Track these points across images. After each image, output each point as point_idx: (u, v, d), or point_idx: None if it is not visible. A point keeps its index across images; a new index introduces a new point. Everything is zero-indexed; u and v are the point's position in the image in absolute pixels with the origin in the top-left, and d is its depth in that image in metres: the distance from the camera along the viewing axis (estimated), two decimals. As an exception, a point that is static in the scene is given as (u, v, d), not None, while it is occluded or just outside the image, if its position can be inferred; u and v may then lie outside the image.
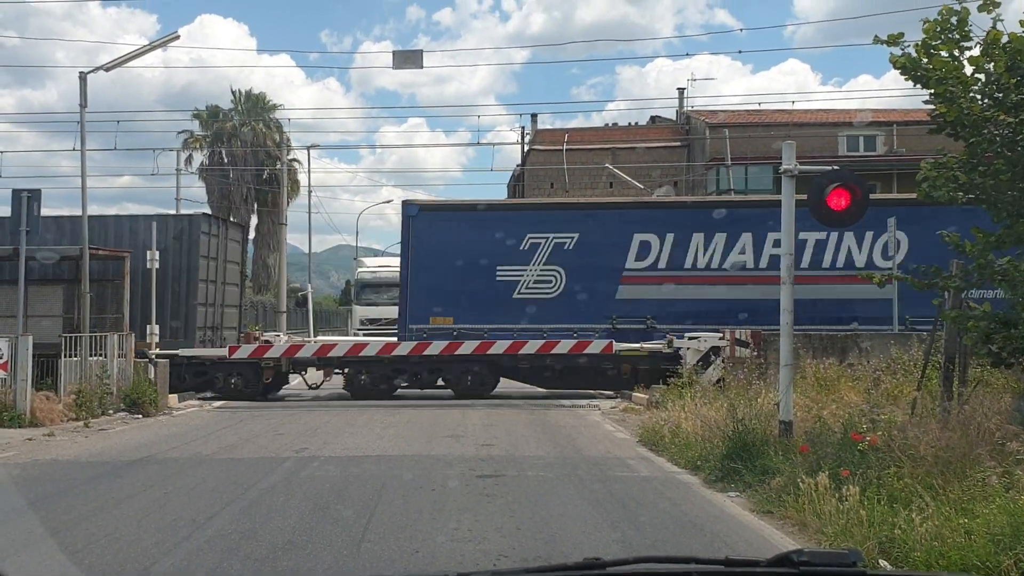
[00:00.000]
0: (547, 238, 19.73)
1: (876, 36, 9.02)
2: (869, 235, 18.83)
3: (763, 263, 19.02)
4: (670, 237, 19.61)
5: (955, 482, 6.84)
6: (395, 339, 20.33)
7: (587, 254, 19.63)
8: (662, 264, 19.62)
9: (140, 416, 15.88)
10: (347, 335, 29.09)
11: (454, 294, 19.85)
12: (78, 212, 18.69)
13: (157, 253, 18.74)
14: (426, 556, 6.42)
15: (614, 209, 22.00)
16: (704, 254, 19.54)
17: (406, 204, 20.87)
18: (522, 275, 19.76)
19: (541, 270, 19.72)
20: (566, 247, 19.73)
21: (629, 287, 19.68)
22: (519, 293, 19.74)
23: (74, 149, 22.98)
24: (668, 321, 19.14)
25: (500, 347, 18.86)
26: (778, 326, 10.17)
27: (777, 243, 14.91)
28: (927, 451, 7.54)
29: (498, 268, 19.76)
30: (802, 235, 17.26)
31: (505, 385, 20.08)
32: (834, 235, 18.78)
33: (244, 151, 45.90)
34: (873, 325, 17.99)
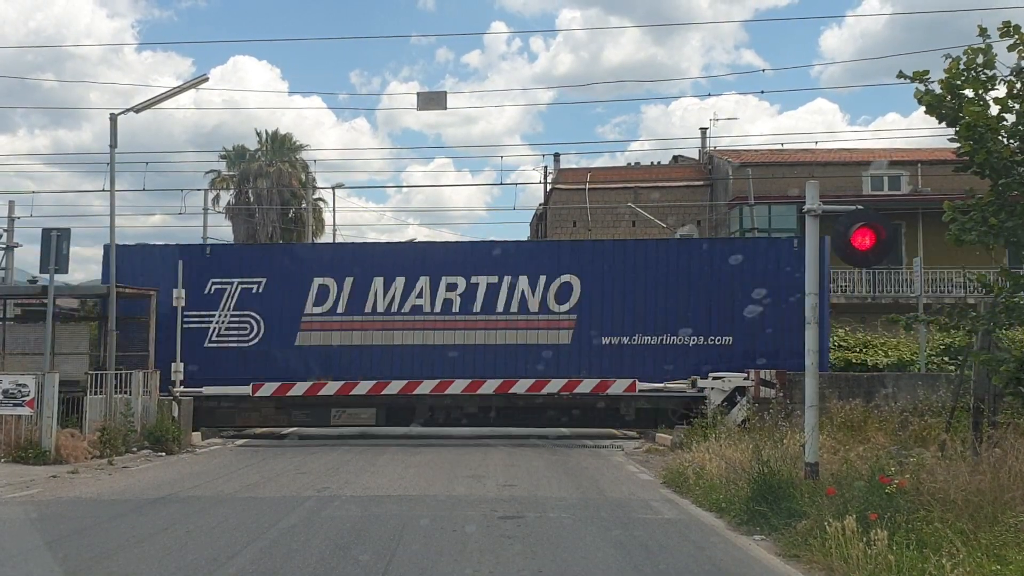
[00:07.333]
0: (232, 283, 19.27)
1: (900, 72, 9.00)
2: (542, 279, 18.88)
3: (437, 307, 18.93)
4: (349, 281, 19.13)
5: (986, 527, 6.71)
6: None
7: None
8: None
9: (163, 454, 15.96)
10: None
11: None
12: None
13: (183, 291, 18.88)
14: (447, 599, 6.36)
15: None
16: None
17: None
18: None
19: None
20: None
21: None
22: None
23: (103, 189, 23.26)
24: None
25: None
26: None
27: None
28: (957, 495, 7.41)
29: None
30: (473, 279, 18.68)
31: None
32: (507, 279, 18.84)
33: (270, 190, 46.43)
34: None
